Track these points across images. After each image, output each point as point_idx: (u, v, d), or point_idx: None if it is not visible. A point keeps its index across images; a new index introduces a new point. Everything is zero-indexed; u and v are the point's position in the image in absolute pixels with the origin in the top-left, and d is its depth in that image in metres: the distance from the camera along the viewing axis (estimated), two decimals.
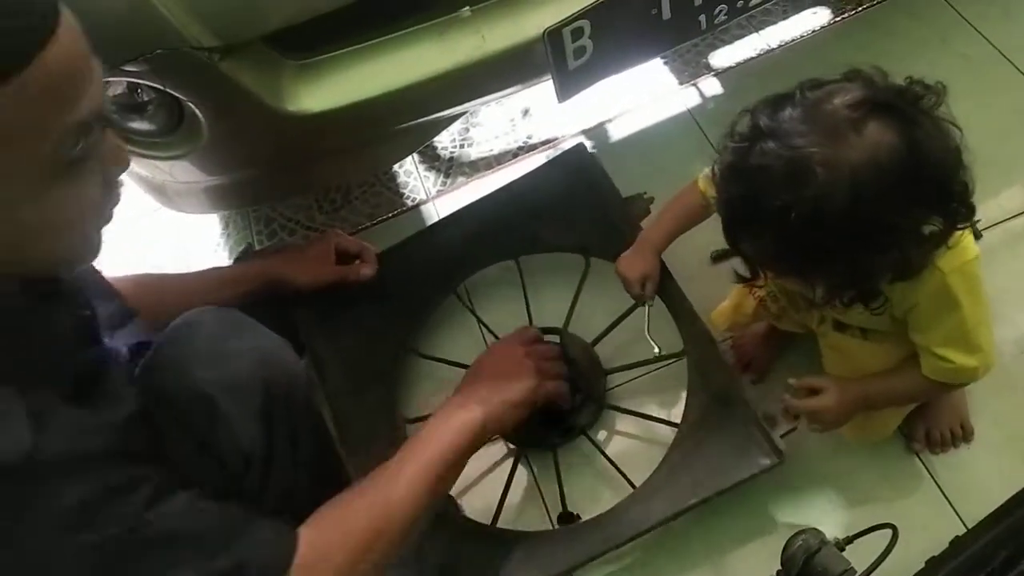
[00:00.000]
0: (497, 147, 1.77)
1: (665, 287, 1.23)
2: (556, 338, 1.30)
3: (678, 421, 1.17)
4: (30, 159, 0.62)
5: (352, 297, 1.34)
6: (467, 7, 1.18)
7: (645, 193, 1.31)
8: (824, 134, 0.78)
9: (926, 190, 0.79)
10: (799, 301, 1.05)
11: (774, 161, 0.79)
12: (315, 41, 1.16)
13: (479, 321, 1.40)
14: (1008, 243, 1.33)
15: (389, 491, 0.89)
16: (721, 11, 1.24)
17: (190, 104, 1.13)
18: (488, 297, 1.45)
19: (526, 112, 1.79)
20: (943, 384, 0.99)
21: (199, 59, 1.05)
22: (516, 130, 1.78)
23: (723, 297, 1.23)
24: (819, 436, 1.15)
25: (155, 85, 1.09)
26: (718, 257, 1.41)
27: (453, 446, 0.95)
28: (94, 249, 0.74)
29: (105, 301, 0.98)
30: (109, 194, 0.72)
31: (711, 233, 1.36)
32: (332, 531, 0.84)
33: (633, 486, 1.17)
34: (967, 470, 1.16)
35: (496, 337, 1.36)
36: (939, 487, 1.15)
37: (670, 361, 1.24)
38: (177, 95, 1.11)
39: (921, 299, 0.91)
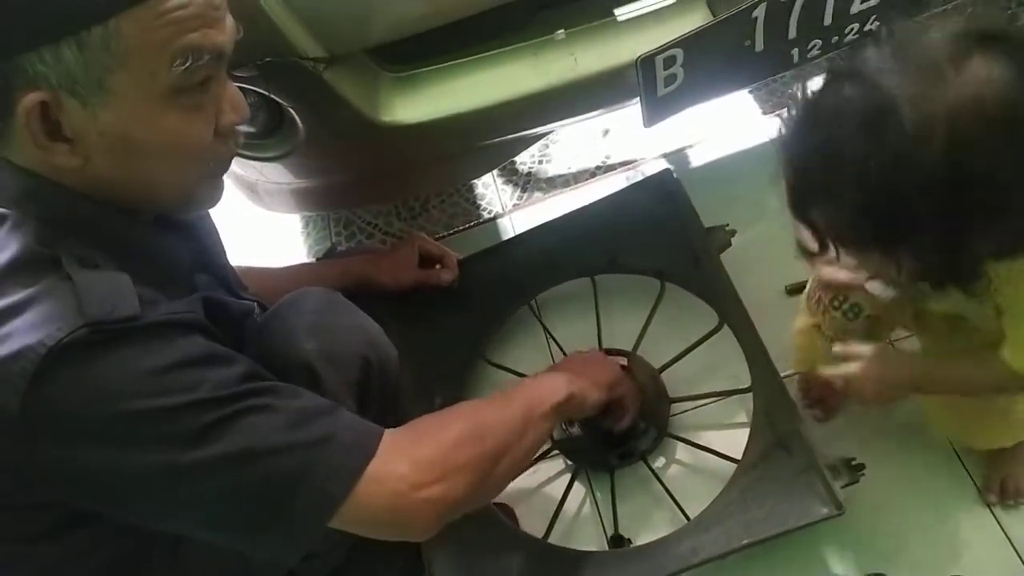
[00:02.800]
0: (575, 165, 1.79)
1: (736, 319, 1.23)
2: (624, 361, 1.31)
3: (738, 457, 1.17)
4: (145, 77, 0.70)
5: (431, 300, 1.38)
6: (562, 30, 1.21)
7: (727, 225, 1.32)
8: (915, 71, 0.65)
9: None
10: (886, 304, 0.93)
11: (852, 103, 0.68)
12: (413, 55, 1.21)
13: (548, 335, 1.42)
14: None
15: (480, 414, 0.91)
16: (815, 46, 1.24)
17: (290, 109, 1.18)
18: (561, 313, 1.47)
19: (606, 132, 1.81)
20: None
21: (304, 68, 1.10)
22: (595, 149, 1.79)
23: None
24: (888, 486, 1.14)
25: (260, 90, 1.15)
26: (793, 290, 1.40)
27: (540, 401, 0.96)
28: (212, 194, 0.85)
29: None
30: (223, 141, 0.80)
31: (785, 265, 1.38)
32: (422, 426, 0.87)
33: (687, 517, 1.17)
34: None
35: (564, 353, 1.38)
36: (1011, 543, 1.12)
37: (736, 395, 1.24)
38: (279, 100, 1.16)
39: None
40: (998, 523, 1.14)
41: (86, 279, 0.71)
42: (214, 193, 0.86)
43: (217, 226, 1.02)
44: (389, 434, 0.81)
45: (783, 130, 0.77)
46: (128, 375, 0.70)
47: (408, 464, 0.80)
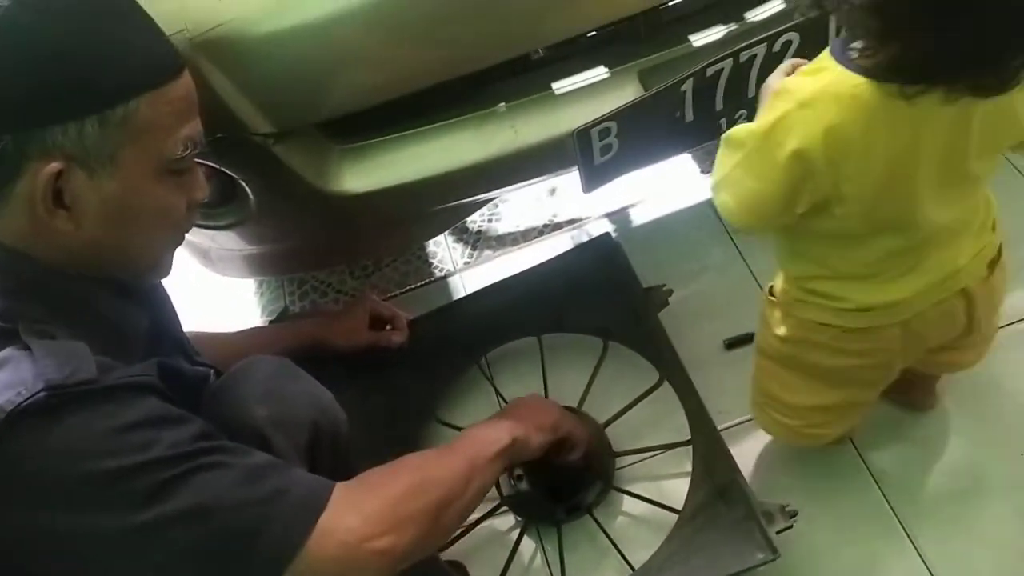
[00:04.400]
0: (524, 224, 1.85)
1: (675, 375, 1.28)
2: None
3: (680, 508, 1.21)
4: (152, 154, 0.79)
5: (382, 360, 1.41)
6: (503, 103, 1.27)
7: (664, 285, 1.38)
8: None
9: None
10: None
11: None
12: (360, 127, 1.26)
13: (498, 394, 1.46)
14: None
15: (426, 465, 0.95)
16: (741, 115, 1.31)
17: (241, 181, 1.22)
18: (510, 371, 1.51)
19: (553, 191, 1.88)
20: None
21: (254, 143, 1.15)
22: (543, 208, 1.86)
23: (738, 382, 1.25)
24: (821, 530, 1.19)
25: (211, 164, 1.19)
26: (732, 344, 1.46)
27: (484, 449, 1.00)
28: (167, 265, 0.92)
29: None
30: (188, 215, 0.88)
31: (725, 320, 1.45)
32: (371, 479, 0.89)
33: (632, 568, 1.21)
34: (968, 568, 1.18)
35: None
36: None
37: (677, 448, 1.29)
38: (231, 173, 1.20)
39: None
40: (925, 566, 1.20)
41: (44, 348, 0.74)
42: (170, 263, 0.92)
43: (170, 295, 1.05)
44: (339, 488, 0.84)
45: None
46: (86, 436, 0.72)
47: (358, 517, 0.82)
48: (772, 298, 1.10)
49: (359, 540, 0.81)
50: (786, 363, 1.13)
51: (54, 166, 0.73)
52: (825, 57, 0.82)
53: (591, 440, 1.25)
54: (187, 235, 1.38)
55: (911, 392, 1.28)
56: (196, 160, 0.87)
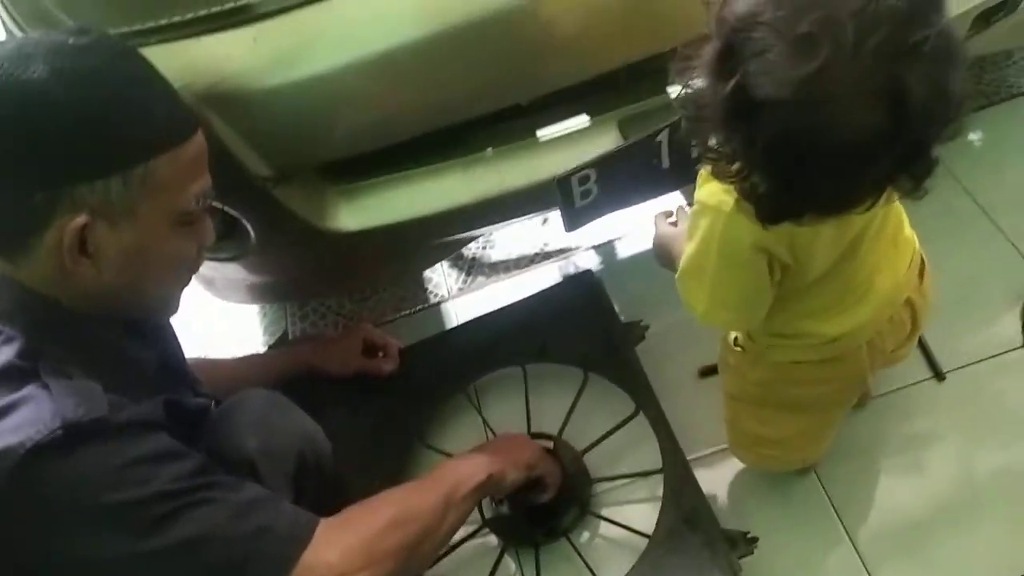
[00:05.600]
0: (516, 251, 1.93)
1: (650, 407, 1.36)
2: (550, 444, 1.43)
3: (651, 533, 1.29)
4: (169, 207, 0.88)
5: (373, 385, 1.50)
6: (490, 148, 1.35)
7: (641, 321, 1.46)
8: None
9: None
10: None
11: None
12: (355, 169, 1.33)
13: (484, 421, 1.54)
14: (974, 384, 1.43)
15: (404, 500, 1.03)
16: None
17: (241, 218, 1.30)
18: (496, 398, 1.59)
19: (545, 221, 1.95)
20: None
21: (255, 185, 1.23)
22: (535, 237, 1.94)
23: (711, 411, 1.33)
24: (783, 559, 1.26)
25: (214, 204, 1.27)
26: (705, 372, 1.53)
27: (461, 484, 1.08)
28: (176, 303, 1.00)
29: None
30: (197, 258, 0.98)
31: (699, 350, 1.51)
32: (351, 515, 0.97)
33: None
34: None
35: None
36: None
37: (650, 476, 1.36)
38: (232, 212, 1.28)
39: None
40: None
41: (62, 387, 0.82)
42: (178, 303, 1.01)
43: (174, 328, 1.14)
44: (322, 524, 0.92)
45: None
46: (99, 470, 0.81)
47: (337, 553, 0.90)
48: (737, 348, 1.16)
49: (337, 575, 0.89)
50: (764, 402, 1.20)
51: (81, 219, 0.82)
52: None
53: (565, 476, 1.33)
54: None
55: None
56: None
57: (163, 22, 1.11)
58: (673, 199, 1.43)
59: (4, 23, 1.20)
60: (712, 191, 0.89)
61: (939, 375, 1.43)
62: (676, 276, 1.02)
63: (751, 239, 0.88)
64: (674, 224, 1.21)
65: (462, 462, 1.16)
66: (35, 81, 0.78)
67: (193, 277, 1.57)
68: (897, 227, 1.04)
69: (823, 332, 1.04)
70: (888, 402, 1.42)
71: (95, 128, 0.82)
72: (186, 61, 1.13)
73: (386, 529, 0.96)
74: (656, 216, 1.25)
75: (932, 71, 0.68)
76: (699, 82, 0.77)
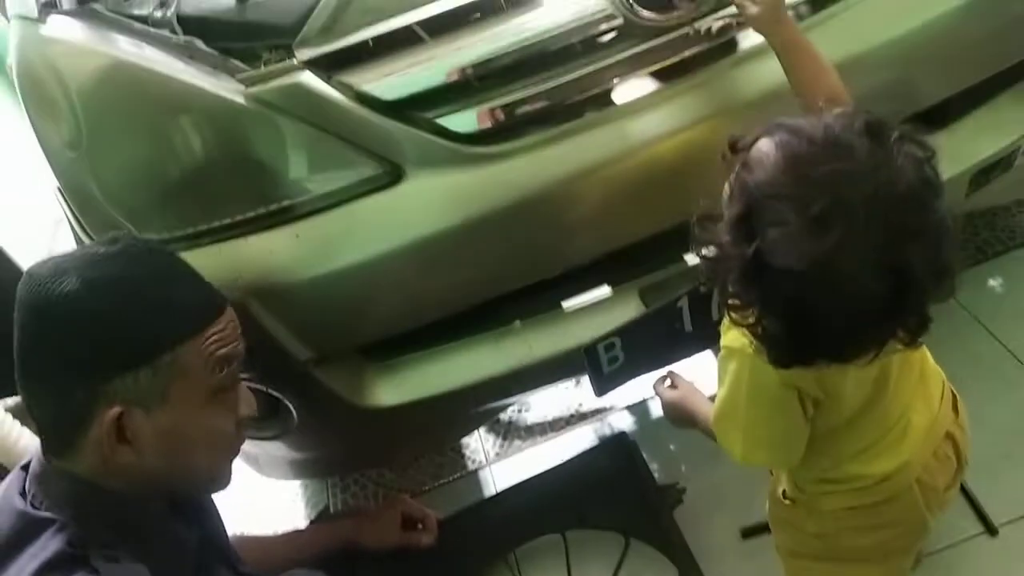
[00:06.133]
0: (551, 414, 1.95)
1: (690, 570, 1.33)
2: None
3: None
4: (198, 384, 0.91)
5: (412, 558, 1.49)
6: (518, 320, 1.41)
7: (678, 483, 1.46)
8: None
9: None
10: None
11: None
12: (392, 347, 1.40)
13: None
14: None
15: None
16: None
17: (284, 399, 1.36)
18: (536, 567, 1.57)
19: (578, 382, 1.99)
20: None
21: (295, 367, 1.29)
22: (568, 398, 1.97)
23: (757, 571, 1.32)
24: None
25: (257, 386, 1.33)
26: (747, 534, 1.50)
27: None
28: (226, 477, 1.02)
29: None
30: (239, 432, 1.00)
31: (738, 512, 1.49)
32: None
33: None
34: None
35: None
36: None
37: None
38: (274, 393, 1.35)
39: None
40: None
41: (110, 571, 0.85)
42: (228, 476, 1.03)
43: (218, 507, 1.16)
44: None
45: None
46: None
47: None
48: (787, 501, 1.15)
49: None
50: (825, 556, 1.16)
51: (116, 410, 0.87)
52: None
53: None
54: None
55: None
56: (242, 381, 1.00)
57: (215, 224, 1.22)
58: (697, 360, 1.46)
59: (75, 233, 1.32)
60: (735, 336, 0.93)
61: (991, 529, 1.39)
62: (712, 422, 1.05)
63: (779, 376, 0.91)
64: (673, 387, 1.26)
65: None
66: (67, 293, 0.86)
67: (240, 457, 1.64)
68: (922, 361, 1.07)
69: (870, 472, 1.04)
70: (942, 561, 1.38)
71: (119, 328, 0.88)
72: (235, 259, 1.23)
73: None
74: (655, 386, 1.28)
75: (931, 249, 0.76)
76: (721, 237, 0.83)
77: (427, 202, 1.23)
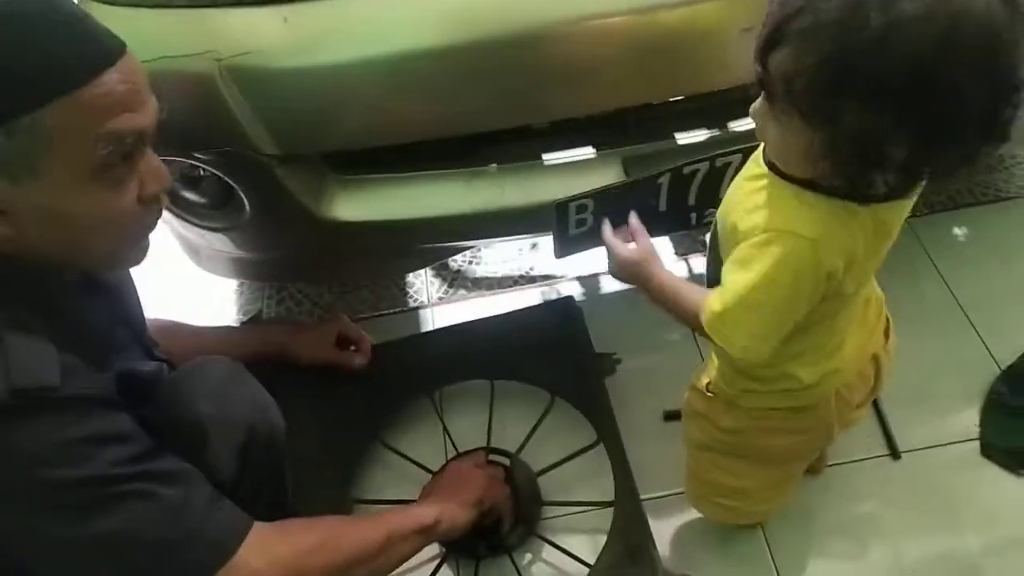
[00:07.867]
0: (501, 271, 1.94)
1: (611, 439, 1.37)
2: (506, 461, 1.44)
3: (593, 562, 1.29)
4: (74, 159, 0.78)
5: (340, 377, 1.50)
6: (495, 164, 1.37)
7: (614, 354, 1.47)
8: None
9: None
10: None
11: None
12: (360, 162, 1.35)
13: (444, 429, 1.55)
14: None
15: (342, 529, 1.05)
16: (710, 213, 1.42)
17: (239, 190, 1.31)
18: (460, 408, 1.59)
19: (534, 245, 1.97)
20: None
21: (258, 161, 1.24)
22: (522, 260, 1.96)
23: (671, 455, 1.33)
24: None
25: (214, 171, 1.27)
26: (669, 417, 1.55)
27: (402, 527, 1.10)
28: (132, 256, 0.92)
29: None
30: (148, 208, 0.88)
31: (666, 394, 1.53)
32: (289, 527, 0.98)
33: None
34: None
35: (455, 447, 1.51)
36: None
37: (600, 507, 1.37)
38: (231, 182, 1.29)
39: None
40: None
41: (16, 343, 0.79)
42: (138, 254, 0.93)
43: (136, 283, 1.12)
44: (256, 529, 0.92)
45: None
46: (38, 444, 0.79)
47: (265, 561, 0.91)
48: (709, 394, 1.18)
49: None
50: (731, 451, 1.21)
51: None
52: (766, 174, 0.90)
53: (517, 495, 1.36)
54: (183, 231, 1.48)
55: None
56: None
57: None
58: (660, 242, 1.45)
59: None
60: (787, 218, 0.87)
61: (895, 454, 1.46)
62: (716, 312, 0.95)
63: (828, 266, 0.88)
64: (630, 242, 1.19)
65: (412, 508, 1.20)
66: None
67: (180, 244, 1.59)
68: (870, 286, 1.08)
69: (801, 376, 1.06)
70: (843, 473, 1.45)
71: None
72: (213, 30, 1.15)
73: (317, 548, 0.98)
74: (609, 237, 1.20)
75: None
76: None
77: (418, 17, 1.17)
